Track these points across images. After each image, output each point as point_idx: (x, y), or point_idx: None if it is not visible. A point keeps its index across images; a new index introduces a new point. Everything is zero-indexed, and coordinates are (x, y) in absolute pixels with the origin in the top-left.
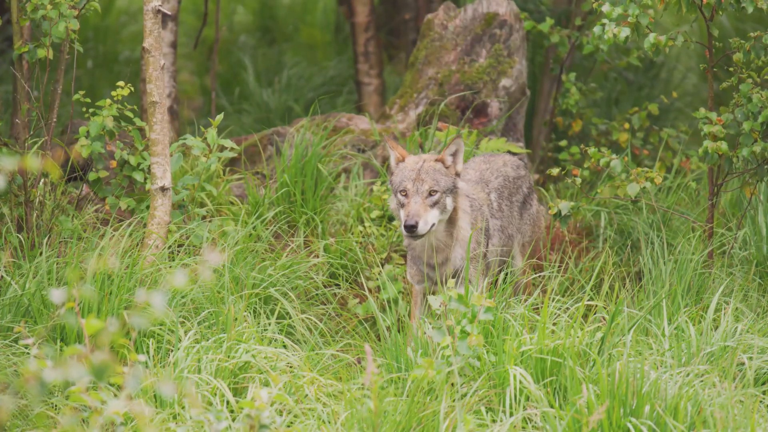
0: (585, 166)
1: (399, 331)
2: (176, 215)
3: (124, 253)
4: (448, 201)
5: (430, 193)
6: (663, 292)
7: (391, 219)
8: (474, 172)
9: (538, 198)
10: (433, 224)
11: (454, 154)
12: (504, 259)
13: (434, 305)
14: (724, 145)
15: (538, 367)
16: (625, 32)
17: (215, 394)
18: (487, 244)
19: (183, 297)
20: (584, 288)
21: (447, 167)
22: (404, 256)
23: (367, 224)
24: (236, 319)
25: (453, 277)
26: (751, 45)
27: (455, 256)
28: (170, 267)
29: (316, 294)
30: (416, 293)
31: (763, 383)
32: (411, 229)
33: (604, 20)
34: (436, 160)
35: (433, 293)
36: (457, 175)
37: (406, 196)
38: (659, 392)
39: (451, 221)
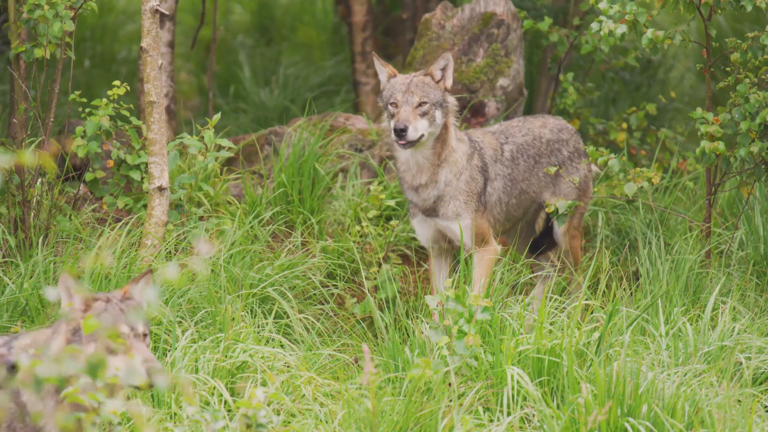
0: (582, 165)
1: (396, 331)
2: (173, 215)
3: (121, 253)
4: (438, 114)
5: (420, 104)
6: (659, 291)
7: (388, 219)
8: (499, 126)
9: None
10: (423, 134)
11: (444, 69)
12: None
13: (431, 305)
14: (721, 145)
15: (536, 366)
16: (621, 29)
17: (213, 394)
18: (485, 185)
19: (180, 297)
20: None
21: (437, 81)
22: (402, 256)
23: (364, 224)
24: (234, 318)
25: (434, 202)
26: (749, 45)
27: (441, 178)
28: (167, 266)
29: (314, 293)
30: (431, 262)
31: (761, 383)
32: (401, 133)
33: (602, 17)
34: (426, 74)
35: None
36: (447, 90)
37: (396, 106)
38: (657, 392)
39: (441, 140)
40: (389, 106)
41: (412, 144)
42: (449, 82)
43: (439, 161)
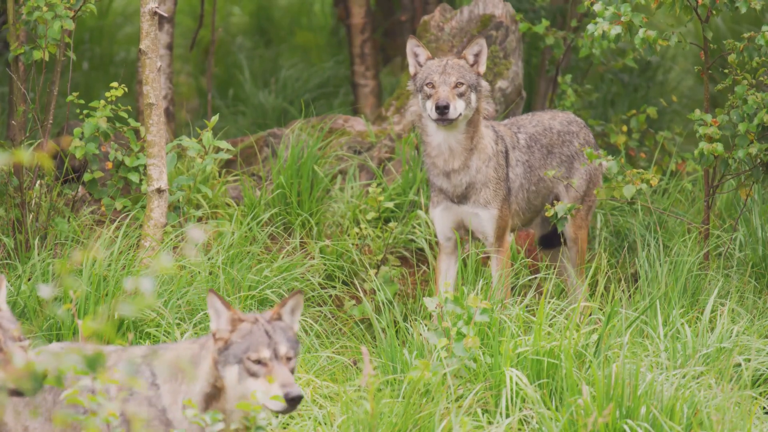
0: (582, 167)
1: (395, 333)
2: (172, 217)
3: (119, 254)
4: (473, 97)
5: (457, 85)
6: (657, 293)
7: (387, 220)
8: (508, 120)
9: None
10: (460, 114)
11: (477, 54)
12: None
13: (429, 307)
14: (719, 147)
15: (534, 368)
16: (615, 30)
17: None
18: (507, 171)
19: (179, 298)
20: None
21: (471, 65)
22: (400, 258)
23: (363, 226)
24: None
25: (466, 189)
26: (744, 46)
27: (473, 164)
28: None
29: (312, 295)
30: (440, 259)
31: (760, 385)
32: (443, 110)
33: (598, 19)
34: (460, 57)
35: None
36: (480, 75)
37: (433, 87)
38: (655, 394)
39: (474, 125)
40: (425, 87)
41: (450, 122)
42: (482, 68)
43: (471, 146)
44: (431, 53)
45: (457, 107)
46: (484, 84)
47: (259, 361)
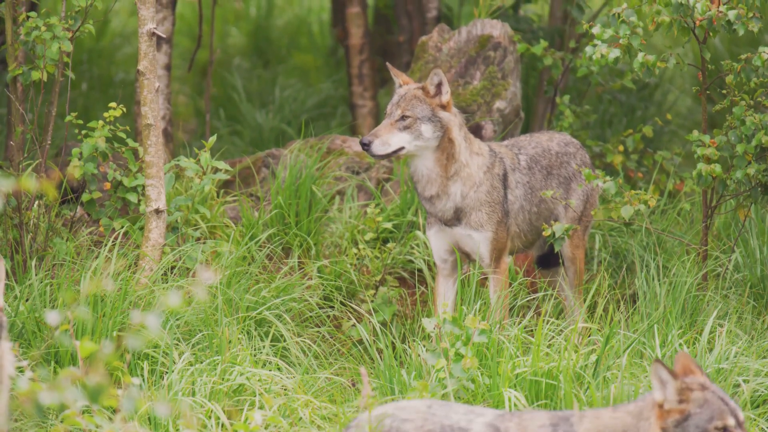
0: (579, 188)
1: (393, 354)
2: (170, 237)
3: (116, 275)
4: (426, 128)
5: (402, 118)
6: (656, 314)
7: (385, 241)
8: (509, 141)
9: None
10: (402, 147)
11: (438, 85)
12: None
13: (428, 328)
14: (717, 168)
15: (533, 389)
16: (614, 53)
17: (210, 417)
18: (506, 193)
19: (177, 319)
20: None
21: (431, 96)
22: (399, 278)
23: (361, 246)
24: (230, 341)
25: (455, 212)
26: (742, 66)
27: (455, 191)
28: (164, 289)
29: (311, 316)
30: (438, 282)
31: (758, 406)
32: (363, 147)
33: (596, 41)
34: (419, 88)
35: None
36: (443, 107)
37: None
38: None
39: (447, 154)
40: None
41: (381, 157)
42: (445, 98)
43: (448, 175)
44: (430, 72)
45: (391, 142)
46: (444, 115)
47: (725, 429)
